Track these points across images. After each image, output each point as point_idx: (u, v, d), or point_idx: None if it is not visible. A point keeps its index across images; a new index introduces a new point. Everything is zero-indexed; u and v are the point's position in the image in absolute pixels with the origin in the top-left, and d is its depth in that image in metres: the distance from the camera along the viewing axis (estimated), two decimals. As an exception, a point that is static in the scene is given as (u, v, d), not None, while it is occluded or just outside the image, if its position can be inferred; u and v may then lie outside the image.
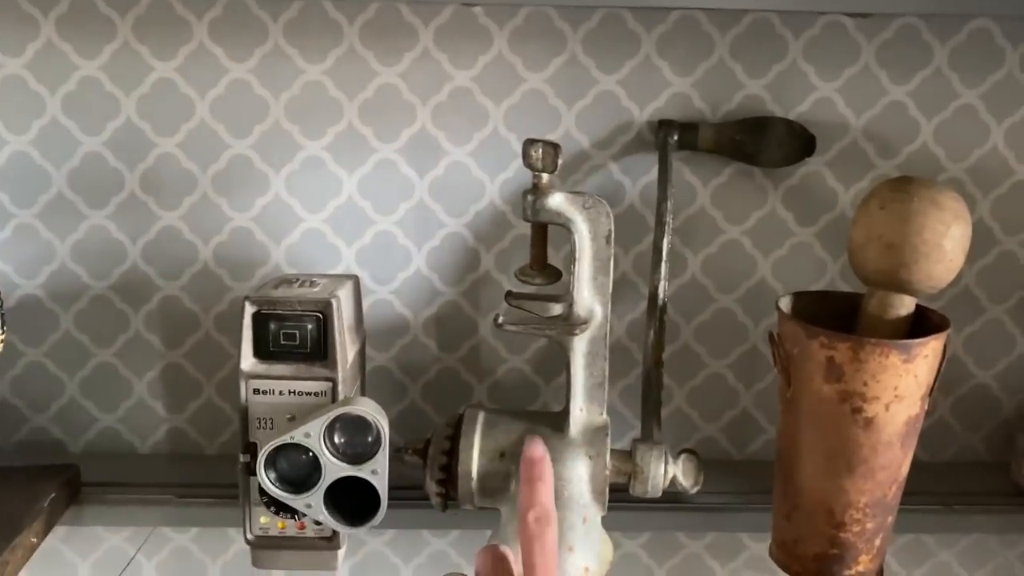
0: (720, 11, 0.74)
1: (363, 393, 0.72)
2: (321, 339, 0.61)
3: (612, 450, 0.64)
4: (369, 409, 0.58)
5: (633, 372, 0.81)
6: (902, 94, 0.76)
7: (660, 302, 0.70)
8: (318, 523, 0.63)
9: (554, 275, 0.63)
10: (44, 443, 0.82)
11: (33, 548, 0.67)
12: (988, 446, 0.85)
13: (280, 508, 0.62)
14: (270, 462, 0.59)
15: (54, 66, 0.74)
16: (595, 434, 0.64)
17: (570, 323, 0.62)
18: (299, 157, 0.76)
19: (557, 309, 0.63)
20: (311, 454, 0.58)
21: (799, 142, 0.74)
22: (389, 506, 0.61)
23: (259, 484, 0.60)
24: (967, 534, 0.74)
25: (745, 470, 0.82)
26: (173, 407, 0.82)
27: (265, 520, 0.63)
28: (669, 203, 0.71)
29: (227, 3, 0.73)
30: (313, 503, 0.59)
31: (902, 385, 0.58)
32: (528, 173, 0.61)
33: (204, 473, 0.79)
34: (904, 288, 0.61)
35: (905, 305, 0.62)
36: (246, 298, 0.61)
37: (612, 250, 0.62)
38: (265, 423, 0.61)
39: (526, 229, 0.76)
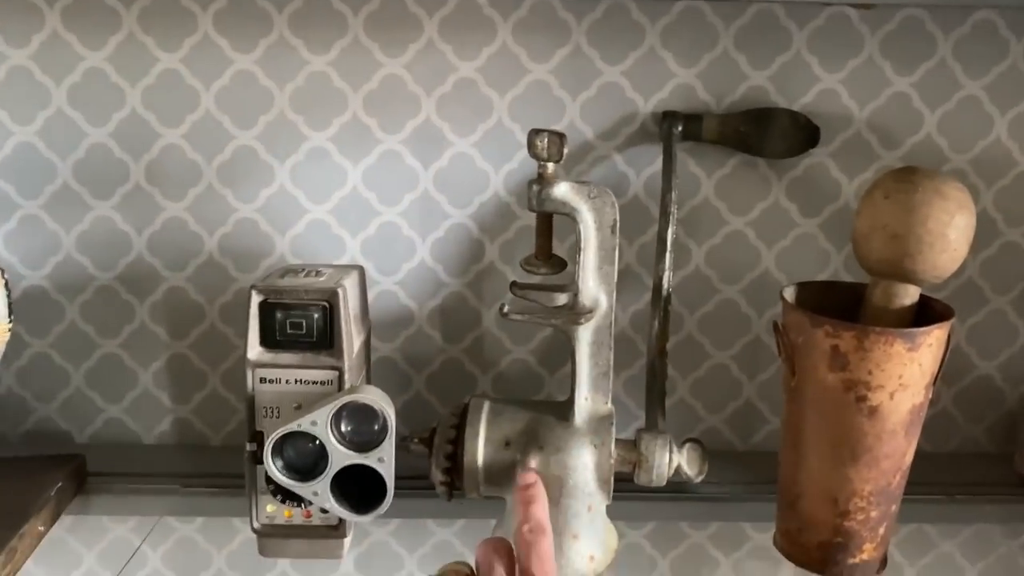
0: (724, 2, 0.74)
1: (368, 383, 0.72)
2: (327, 328, 0.61)
3: (617, 439, 0.64)
4: (376, 397, 0.58)
5: (637, 363, 0.81)
6: (906, 85, 0.76)
7: (664, 292, 0.70)
8: (324, 511, 0.63)
9: (559, 265, 0.63)
10: (50, 434, 0.82)
11: (40, 536, 0.67)
12: (991, 437, 0.85)
13: (286, 497, 0.62)
14: (277, 450, 0.59)
15: (59, 57, 0.74)
16: (600, 423, 0.64)
17: (575, 312, 0.62)
18: (304, 148, 0.76)
19: (562, 299, 0.64)
20: (318, 442, 0.58)
21: (803, 133, 0.74)
22: (394, 496, 0.62)
23: (266, 472, 0.60)
24: (969, 524, 0.74)
25: (748, 461, 0.82)
26: (178, 398, 0.82)
27: (271, 509, 0.63)
28: (674, 194, 0.72)
29: (232, -6, 0.73)
30: (320, 491, 0.59)
31: (906, 374, 0.58)
32: (533, 164, 0.61)
33: (209, 463, 0.80)
34: (908, 278, 0.61)
35: (909, 295, 0.62)
36: (252, 287, 0.61)
37: (617, 240, 0.62)
38: (271, 412, 0.61)
39: (531, 220, 0.77)
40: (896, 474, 0.61)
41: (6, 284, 0.63)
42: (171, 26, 0.73)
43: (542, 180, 0.60)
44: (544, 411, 0.65)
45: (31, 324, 0.80)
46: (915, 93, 0.76)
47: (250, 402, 0.61)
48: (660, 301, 0.70)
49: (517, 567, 0.49)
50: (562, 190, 0.60)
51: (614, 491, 0.64)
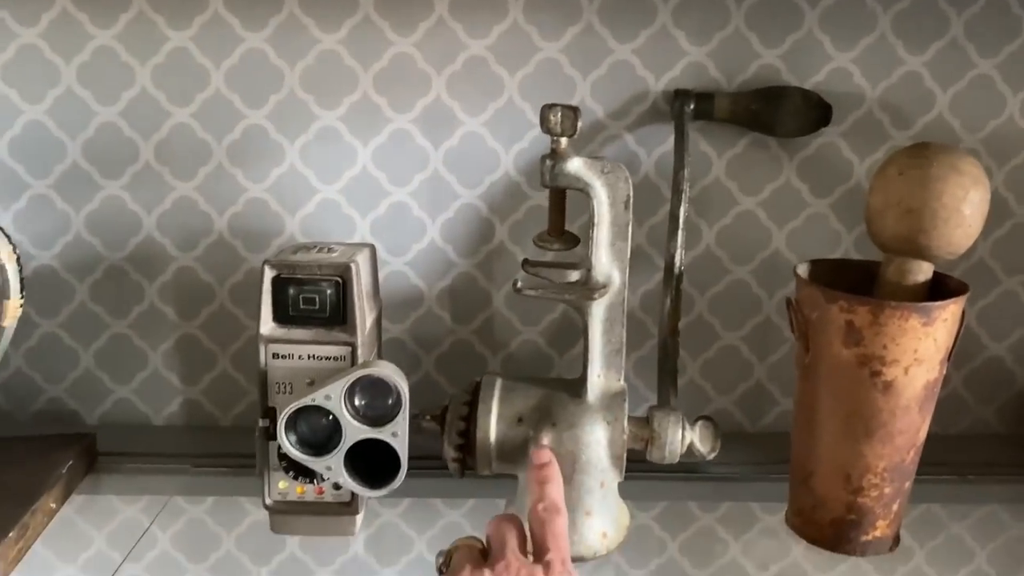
0: (736, -20, 0.74)
1: (380, 362, 0.72)
2: (340, 303, 0.61)
3: (629, 417, 0.64)
4: (390, 371, 0.58)
5: (647, 344, 0.81)
6: (918, 64, 0.76)
7: (676, 270, 0.70)
8: (337, 488, 0.63)
9: (572, 241, 0.63)
10: (60, 414, 0.82)
11: (52, 514, 0.67)
12: (1001, 418, 0.85)
13: (299, 473, 0.62)
14: (290, 425, 0.59)
15: (69, 36, 0.74)
16: (613, 400, 0.64)
17: (589, 288, 0.62)
18: (314, 127, 0.76)
19: (574, 276, 0.64)
20: (331, 417, 0.58)
21: (815, 111, 0.74)
22: (409, 475, 0.61)
23: (278, 449, 0.60)
24: (979, 506, 0.74)
25: (759, 442, 0.82)
26: (188, 378, 0.82)
27: (284, 485, 0.63)
28: (686, 171, 0.71)
29: (242, -28, 0.73)
30: (333, 465, 0.59)
31: (921, 348, 0.58)
32: (543, 143, 0.61)
33: (219, 444, 0.80)
34: (922, 254, 0.61)
35: (923, 271, 0.62)
36: (265, 262, 0.61)
37: (630, 216, 0.62)
38: (284, 388, 0.61)
39: (541, 200, 0.77)
40: (910, 450, 0.61)
41: (18, 260, 0.62)
42: (181, 4, 0.73)
43: (555, 155, 0.60)
44: (557, 388, 0.65)
45: (41, 304, 0.79)
46: (927, 72, 0.76)
47: (263, 378, 0.61)
48: (672, 279, 0.70)
49: (529, 543, 0.50)
50: (575, 165, 0.60)
51: (625, 471, 0.64)
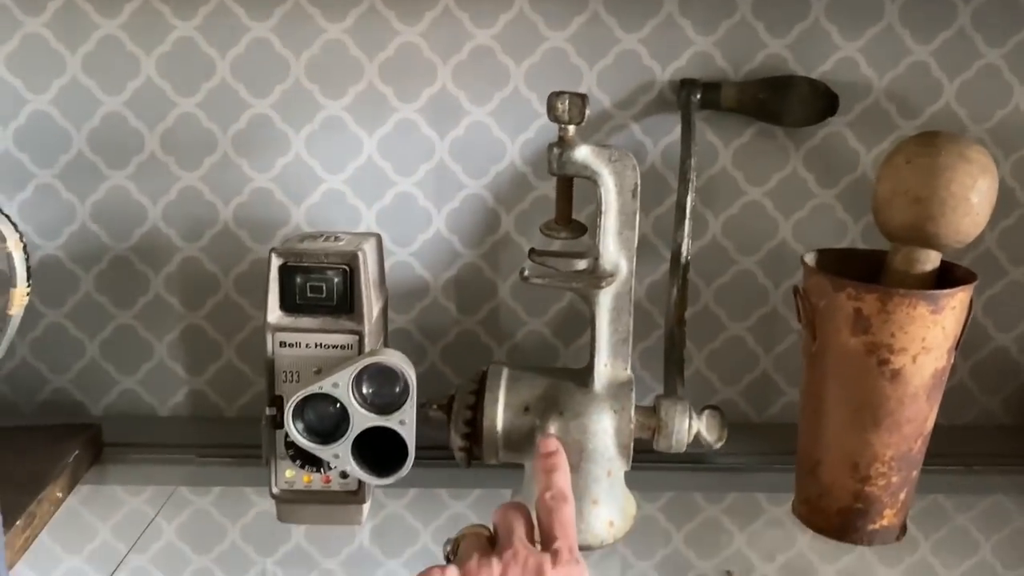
0: (743, -31, 0.74)
1: (386, 351, 0.72)
2: (347, 292, 0.61)
3: (636, 406, 0.64)
4: (397, 360, 0.58)
5: (654, 334, 0.81)
6: (925, 54, 0.76)
7: (683, 260, 0.70)
8: (344, 476, 0.63)
9: (579, 230, 0.63)
10: (65, 404, 0.82)
11: (58, 503, 0.67)
12: (1007, 409, 0.85)
13: (306, 461, 0.62)
14: (298, 413, 0.59)
15: (74, 25, 0.73)
16: (620, 389, 0.64)
17: (596, 276, 0.62)
18: (319, 117, 0.76)
19: (581, 265, 0.63)
20: (339, 405, 0.58)
21: (822, 101, 0.74)
22: (415, 465, 0.61)
23: (285, 437, 0.60)
24: (984, 497, 0.74)
25: (764, 433, 0.82)
26: (193, 369, 0.82)
27: (291, 474, 0.63)
28: (693, 161, 0.71)
29: (248, -39, 0.73)
30: (341, 453, 0.59)
31: (929, 337, 0.58)
32: (549, 133, 0.61)
33: (224, 435, 0.79)
34: (930, 242, 0.61)
35: (931, 260, 0.62)
36: (272, 250, 0.60)
37: (638, 204, 0.62)
38: (291, 376, 0.61)
39: (547, 191, 0.77)
40: (917, 439, 0.61)
41: (24, 248, 0.62)
42: (187, -7, 0.73)
43: (563, 143, 0.60)
44: (563, 377, 0.65)
45: (46, 294, 0.79)
46: (934, 62, 0.76)
47: (269, 366, 0.61)
48: (679, 269, 0.70)
49: (536, 532, 0.49)
50: (583, 153, 0.60)
51: (632, 461, 0.64)
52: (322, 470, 0.62)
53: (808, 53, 0.75)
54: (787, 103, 0.73)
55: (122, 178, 0.77)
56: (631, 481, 0.66)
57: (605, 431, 0.62)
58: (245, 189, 0.78)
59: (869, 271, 0.64)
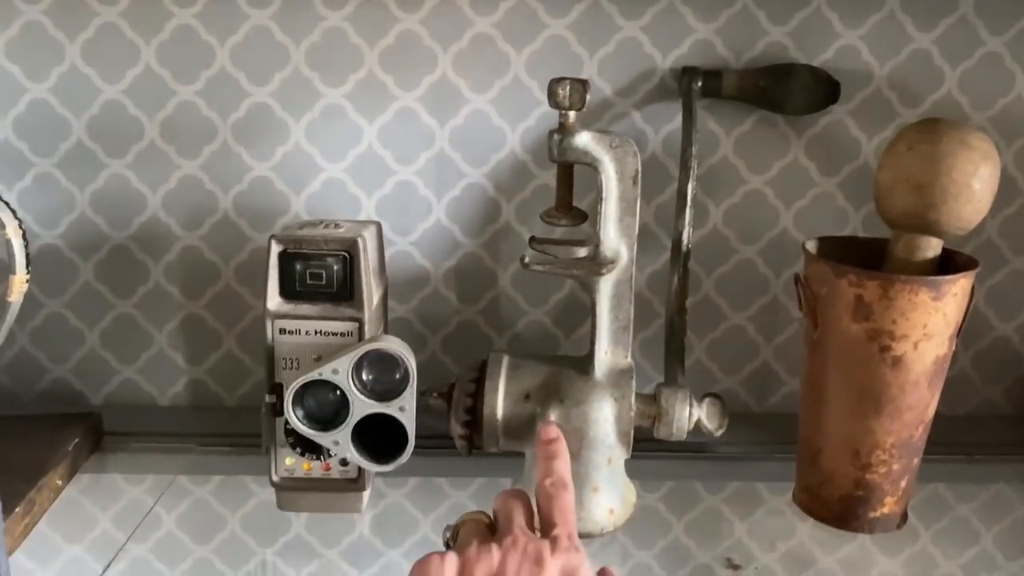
0: (744, -43, 0.73)
1: (386, 340, 0.72)
2: (347, 279, 0.61)
3: (637, 394, 0.64)
4: (397, 346, 0.58)
5: (654, 324, 0.81)
6: (927, 42, 0.75)
7: (684, 248, 0.70)
8: (344, 464, 0.63)
9: (579, 217, 0.63)
10: (64, 394, 0.82)
11: (58, 490, 0.67)
12: (1009, 399, 0.84)
13: (306, 449, 0.62)
14: (298, 399, 0.59)
15: (73, 13, 0.73)
16: (620, 376, 0.63)
17: (596, 263, 0.61)
18: (319, 105, 0.76)
19: (581, 253, 0.63)
20: (339, 392, 0.58)
21: (824, 89, 0.74)
22: (416, 454, 0.61)
23: (285, 425, 0.60)
24: (986, 487, 0.74)
25: (765, 422, 0.82)
26: (193, 359, 0.82)
27: (290, 462, 0.63)
28: (694, 148, 0.71)
29: (247, -52, 0.73)
30: (341, 440, 0.59)
31: (931, 323, 0.58)
32: (549, 122, 0.60)
33: (224, 424, 0.79)
34: (932, 230, 0.60)
35: (932, 247, 0.62)
36: (272, 236, 0.60)
37: (639, 191, 0.61)
38: (291, 363, 0.61)
39: (548, 179, 0.77)
40: (919, 427, 0.61)
41: (24, 235, 0.62)
42: (186, -20, 0.73)
43: (563, 129, 0.60)
44: (564, 365, 0.65)
45: (45, 284, 0.79)
46: (936, 50, 0.76)
47: (270, 353, 0.61)
48: (679, 257, 0.70)
49: (537, 519, 0.49)
50: (584, 139, 0.60)
51: (632, 449, 0.64)
52: (322, 458, 0.62)
53: (809, 41, 0.75)
54: (788, 91, 0.73)
55: (122, 167, 0.77)
56: (632, 470, 0.66)
57: (606, 419, 0.62)
58: (245, 178, 0.77)
59: (870, 259, 0.64)
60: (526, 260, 0.62)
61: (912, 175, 0.59)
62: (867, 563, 0.63)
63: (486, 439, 0.64)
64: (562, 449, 0.52)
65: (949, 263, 0.62)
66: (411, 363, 0.58)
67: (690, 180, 0.70)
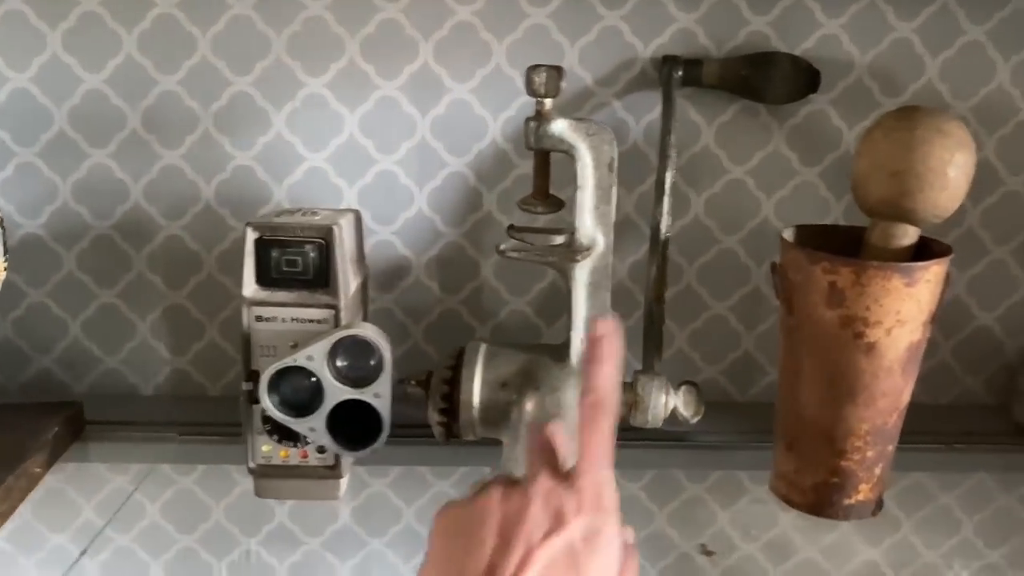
0: (725, -54, 0.73)
1: (365, 329, 0.72)
2: (323, 266, 0.61)
3: (614, 381, 0.64)
4: (372, 333, 0.58)
5: (635, 314, 0.81)
6: (908, 31, 0.75)
7: (662, 237, 0.70)
8: (321, 451, 0.63)
9: (556, 205, 0.63)
10: (48, 384, 0.82)
11: (36, 478, 0.68)
12: (990, 388, 0.85)
13: (283, 436, 0.62)
14: (273, 386, 0.59)
15: (54, 2, 0.73)
16: (597, 364, 0.63)
17: (572, 250, 0.62)
18: (301, 95, 0.76)
19: (558, 240, 0.63)
20: (314, 378, 0.58)
21: (804, 77, 0.74)
22: (391, 444, 0.61)
23: (262, 412, 0.60)
24: (967, 475, 0.74)
25: (747, 412, 0.82)
26: (176, 348, 0.82)
27: (267, 449, 0.63)
28: (672, 137, 0.71)
29: (227, -63, 0.73)
30: (316, 426, 0.59)
31: (904, 309, 0.58)
32: (531, 111, 0.60)
33: (207, 414, 0.79)
34: (908, 217, 0.60)
35: (908, 235, 0.62)
36: (248, 224, 0.60)
37: (615, 178, 0.61)
38: (268, 350, 0.61)
39: (529, 169, 0.76)
40: (893, 413, 0.61)
41: (1, 222, 0.62)
42: (166, -30, 0.73)
43: (540, 117, 0.60)
44: (541, 353, 0.65)
45: (28, 273, 0.79)
46: (917, 39, 0.76)
47: (246, 340, 0.61)
48: (658, 246, 0.70)
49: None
50: (560, 127, 0.60)
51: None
52: (299, 444, 0.62)
53: (791, 30, 0.75)
54: (769, 80, 0.73)
55: (104, 156, 0.77)
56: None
57: (581, 406, 0.62)
58: (227, 167, 0.78)
59: (848, 247, 0.64)
60: (502, 247, 0.62)
61: (888, 163, 0.59)
62: (849, 551, 0.63)
63: (463, 427, 0.64)
64: (612, 353, 0.42)
65: (926, 251, 0.62)
66: (386, 349, 0.58)
67: (668, 169, 0.70)
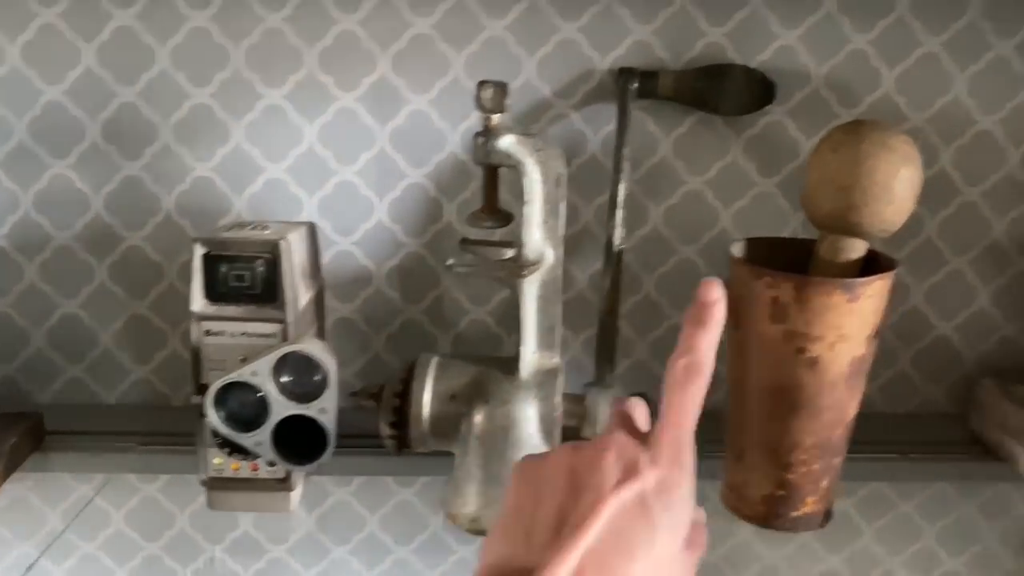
0: (681, -42, 0.73)
1: (322, 341, 0.72)
2: (271, 281, 0.61)
3: (565, 394, 0.64)
4: (316, 349, 0.58)
5: (594, 325, 0.81)
6: (864, 42, 0.76)
7: (615, 248, 0.70)
8: (272, 464, 0.63)
9: (505, 219, 0.63)
10: (11, 394, 0.82)
11: (-7, 489, 0.68)
12: (949, 398, 0.85)
13: (234, 449, 0.62)
14: (220, 401, 0.59)
15: (13, 14, 0.73)
16: (546, 376, 0.64)
17: (519, 265, 0.62)
18: (259, 106, 0.76)
19: (509, 254, 0.64)
20: (260, 394, 0.59)
21: (758, 89, 0.74)
22: (351, 454, 0.62)
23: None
24: (927, 484, 0.74)
25: (704, 422, 0.81)
26: (139, 358, 0.83)
27: (219, 461, 0.64)
28: (626, 150, 0.71)
29: (185, -51, 0.73)
30: (262, 441, 0.59)
31: (846, 324, 0.58)
32: (491, 121, 0.61)
33: (170, 423, 0.79)
34: (854, 231, 0.61)
35: (856, 249, 0.62)
36: (195, 239, 0.61)
37: (564, 193, 0.62)
38: (218, 364, 0.62)
39: (488, 179, 0.77)
40: (838, 427, 0.62)
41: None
42: (124, -18, 0.73)
43: (487, 132, 0.60)
44: (492, 365, 0.65)
45: (-10, 284, 0.80)
46: (873, 50, 0.76)
47: (195, 355, 0.61)
48: (611, 258, 0.70)
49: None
50: (507, 142, 0.60)
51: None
52: (249, 457, 0.63)
53: (747, 42, 0.75)
54: (723, 92, 0.73)
55: (64, 167, 0.77)
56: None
57: (530, 419, 0.63)
58: (187, 178, 0.78)
59: (799, 260, 0.64)
60: (450, 262, 0.62)
61: (835, 177, 0.59)
62: (811, 560, 0.64)
63: (414, 439, 0.64)
64: (717, 319, 0.41)
65: (875, 265, 0.62)
66: (331, 365, 0.58)
67: (621, 181, 0.70)
